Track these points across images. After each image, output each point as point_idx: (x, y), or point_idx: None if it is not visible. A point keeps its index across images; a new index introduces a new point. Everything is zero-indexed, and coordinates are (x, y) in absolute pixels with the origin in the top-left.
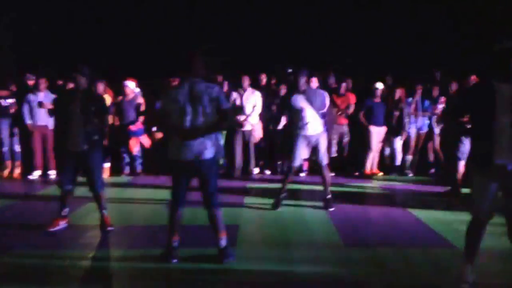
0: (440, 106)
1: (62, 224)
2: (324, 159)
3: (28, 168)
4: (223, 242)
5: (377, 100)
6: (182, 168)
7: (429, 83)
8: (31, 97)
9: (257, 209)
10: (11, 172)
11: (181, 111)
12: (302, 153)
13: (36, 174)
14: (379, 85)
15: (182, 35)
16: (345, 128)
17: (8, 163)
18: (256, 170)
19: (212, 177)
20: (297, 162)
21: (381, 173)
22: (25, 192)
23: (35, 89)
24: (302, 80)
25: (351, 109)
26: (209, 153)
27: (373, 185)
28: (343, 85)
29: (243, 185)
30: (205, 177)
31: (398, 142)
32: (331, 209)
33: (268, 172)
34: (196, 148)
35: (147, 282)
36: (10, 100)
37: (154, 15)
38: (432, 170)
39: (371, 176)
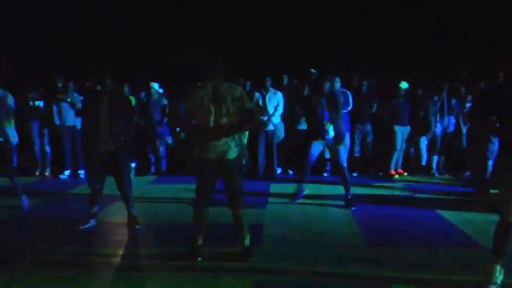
0: (468, 105)
1: (92, 222)
2: (343, 161)
3: (58, 168)
4: (247, 241)
5: (402, 99)
6: (206, 168)
7: (457, 82)
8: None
9: (280, 209)
10: (42, 171)
11: (205, 111)
12: (315, 151)
13: (66, 174)
14: (404, 85)
15: (203, 35)
16: (369, 128)
17: (39, 163)
18: (279, 170)
19: (236, 177)
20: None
21: (406, 173)
22: (56, 191)
23: (63, 91)
24: (326, 85)
25: (374, 109)
26: (233, 153)
27: (398, 185)
28: (365, 84)
29: (267, 185)
30: (229, 177)
31: (424, 142)
32: (353, 208)
33: (291, 172)
34: (220, 148)
35: (173, 279)
36: (40, 102)
37: (176, 16)
38: (460, 170)
39: (396, 176)
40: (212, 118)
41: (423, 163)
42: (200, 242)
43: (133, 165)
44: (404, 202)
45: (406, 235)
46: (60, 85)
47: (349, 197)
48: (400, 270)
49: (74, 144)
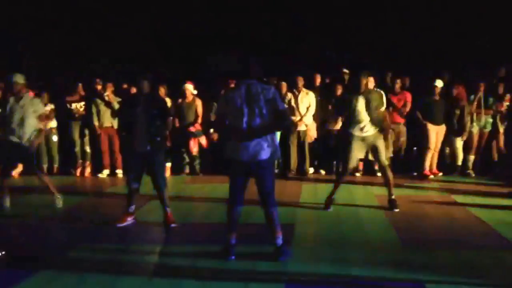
0: (506, 104)
1: (130, 220)
2: (384, 160)
3: (97, 167)
4: (279, 240)
5: (436, 97)
6: (239, 168)
7: (495, 80)
8: (98, 100)
9: (312, 209)
10: (82, 171)
11: (238, 112)
12: (357, 154)
13: (105, 173)
14: (439, 83)
15: (236, 36)
16: (402, 127)
17: (80, 162)
18: (311, 170)
19: (268, 177)
20: (352, 164)
21: (440, 174)
22: (95, 190)
23: (102, 92)
24: (363, 82)
25: (408, 108)
26: (265, 154)
27: (433, 186)
28: (398, 81)
29: (298, 185)
30: (262, 177)
31: (459, 142)
32: (396, 210)
33: (322, 172)
34: (253, 149)
35: (206, 278)
36: (79, 104)
37: (210, 15)
38: (497, 170)
39: (430, 177)
40: (244, 119)
41: (459, 163)
42: (233, 241)
43: (168, 164)
44: (440, 203)
45: (441, 236)
46: (99, 87)
47: (392, 197)
48: (436, 273)
49: (112, 144)
